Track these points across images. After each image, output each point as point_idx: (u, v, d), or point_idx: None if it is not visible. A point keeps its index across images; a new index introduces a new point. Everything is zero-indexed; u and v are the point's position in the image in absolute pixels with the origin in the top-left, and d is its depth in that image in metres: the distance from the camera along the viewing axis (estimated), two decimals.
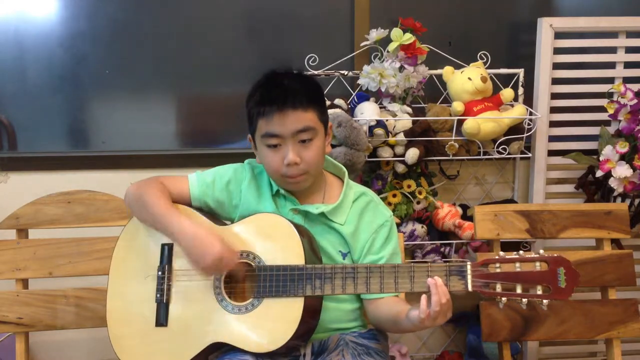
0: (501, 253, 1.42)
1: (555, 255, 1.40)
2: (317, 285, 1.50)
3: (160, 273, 1.60)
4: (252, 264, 1.55)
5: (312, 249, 1.56)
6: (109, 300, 1.63)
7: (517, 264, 1.40)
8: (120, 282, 1.63)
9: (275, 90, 1.56)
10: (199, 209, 1.66)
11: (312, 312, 1.53)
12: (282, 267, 1.51)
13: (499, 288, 1.39)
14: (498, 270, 1.40)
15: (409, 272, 1.47)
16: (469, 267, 1.42)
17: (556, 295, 1.38)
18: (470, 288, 1.41)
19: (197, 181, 1.67)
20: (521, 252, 1.41)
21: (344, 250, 1.65)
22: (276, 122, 1.53)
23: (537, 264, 1.40)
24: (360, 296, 1.66)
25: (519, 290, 1.39)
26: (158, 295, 1.59)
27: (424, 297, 1.40)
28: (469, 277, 1.42)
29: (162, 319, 1.57)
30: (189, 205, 1.66)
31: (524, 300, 1.39)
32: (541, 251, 1.41)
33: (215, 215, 1.68)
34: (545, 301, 1.38)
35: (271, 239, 1.56)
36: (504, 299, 1.39)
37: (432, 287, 1.40)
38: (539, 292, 1.38)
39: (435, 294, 1.39)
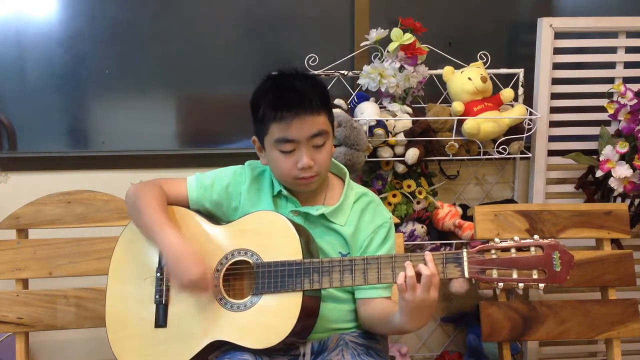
0: (497, 239, 1.42)
1: (550, 239, 1.41)
2: (315, 279, 1.49)
3: (159, 274, 1.59)
4: (250, 261, 1.55)
5: (308, 250, 1.55)
6: (108, 303, 1.62)
7: (513, 250, 1.40)
8: (119, 285, 1.63)
9: (290, 94, 1.52)
10: (197, 211, 1.66)
11: (310, 309, 1.52)
12: (280, 262, 1.51)
13: (495, 274, 1.40)
14: (494, 256, 1.41)
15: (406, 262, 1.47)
16: (465, 254, 1.42)
17: (552, 279, 1.39)
18: (467, 274, 1.41)
19: (195, 184, 1.67)
20: (516, 237, 1.41)
21: (343, 252, 1.64)
22: (293, 128, 1.50)
23: (532, 249, 1.41)
24: (355, 296, 1.65)
25: (515, 275, 1.40)
26: (157, 297, 1.59)
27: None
28: (466, 263, 1.41)
29: (161, 320, 1.57)
30: (187, 207, 1.66)
31: (521, 285, 1.39)
32: (535, 236, 1.41)
33: (214, 217, 1.68)
34: (541, 285, 1.39)
35: (269, 236, 1.55)
36: (500, 284, 1.39)
37: (407, 266, 1.40)
38: (535, 277, 1.39)
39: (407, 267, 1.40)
